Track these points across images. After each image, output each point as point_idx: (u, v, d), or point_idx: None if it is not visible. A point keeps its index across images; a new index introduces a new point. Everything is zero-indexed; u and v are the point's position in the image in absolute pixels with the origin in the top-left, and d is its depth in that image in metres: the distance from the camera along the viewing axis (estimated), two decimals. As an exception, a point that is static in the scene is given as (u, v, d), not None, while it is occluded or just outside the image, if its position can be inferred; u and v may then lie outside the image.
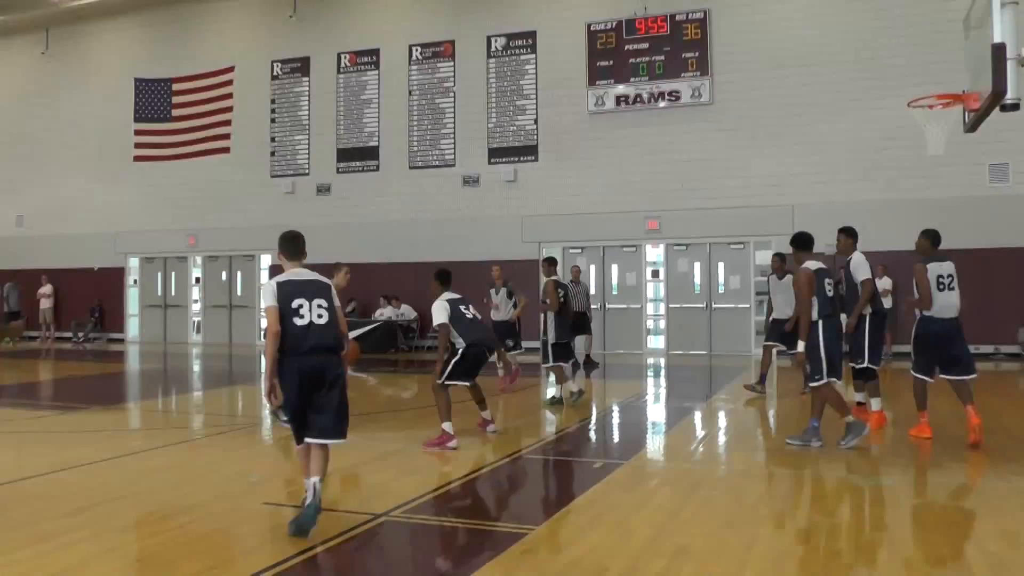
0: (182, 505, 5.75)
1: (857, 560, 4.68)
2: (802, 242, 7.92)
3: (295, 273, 5.16)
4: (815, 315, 7.53)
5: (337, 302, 5.23)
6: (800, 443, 7.59)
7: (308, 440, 5.06)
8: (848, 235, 8.82)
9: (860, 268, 8.65)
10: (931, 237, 8.09)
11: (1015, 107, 6.73)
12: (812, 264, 7.68)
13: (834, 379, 7.59)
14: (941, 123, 9.88)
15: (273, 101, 22.40)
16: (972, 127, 8.12)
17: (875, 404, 8.74)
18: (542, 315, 11.55)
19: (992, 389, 11.93)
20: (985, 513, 5.69)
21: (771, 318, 11.45)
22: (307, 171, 21.94)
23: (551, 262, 11.63)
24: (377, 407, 11.10)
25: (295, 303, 4.98)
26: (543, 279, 11.57)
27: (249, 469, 7.12)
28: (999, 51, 6.61)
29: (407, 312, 19.60)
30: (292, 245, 5.28)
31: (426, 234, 20.18)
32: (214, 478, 6.70)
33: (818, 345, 7.53)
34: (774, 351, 11.55)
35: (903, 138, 15.98)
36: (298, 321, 4.96)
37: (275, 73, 22.43)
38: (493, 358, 9.00)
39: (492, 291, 12.74)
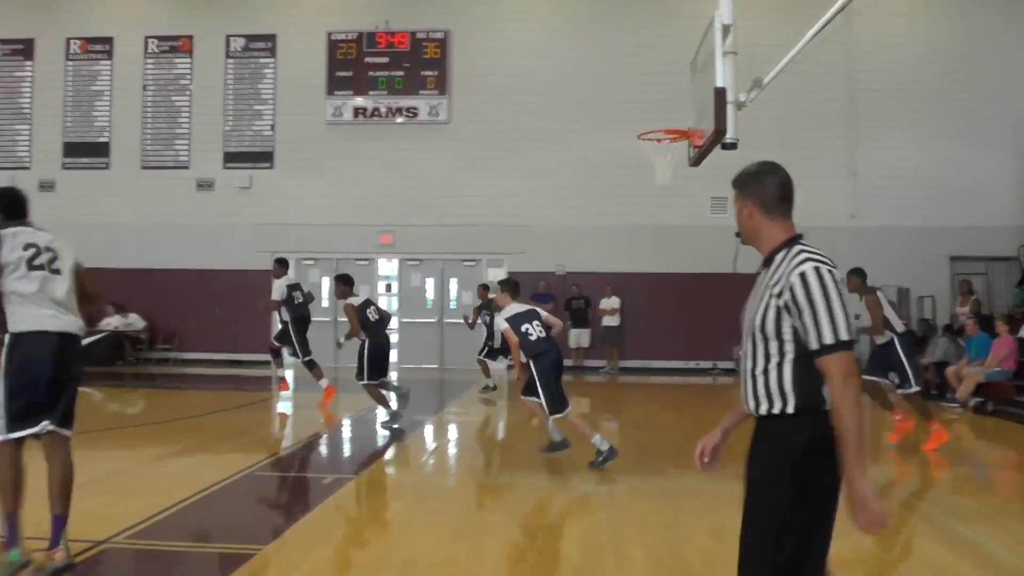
0: None
1: (585, 563, 4.98)
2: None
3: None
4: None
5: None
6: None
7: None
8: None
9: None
10: (862, 276, 9.11)
11: (733, 146, 7.38)
12: None
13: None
14: (668, 156, 10.42)
15: (-10, 86, 20.50)
16: (696, 162, 8.81)
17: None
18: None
19: (710, 402, 14.31)
20: (697, 512, 6.10)
21: None
22: (28, 165, 20.16)
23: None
24: (100, 424, 10.00)
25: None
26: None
27: None
28: (720, 95, 7.25)
29: (135, 322, 18.68)
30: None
31: (157, 239, 19.25)
32: None
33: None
34: None
35: (633, 168, 15.41)
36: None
37: (-9, 55, 20.54)
38: None
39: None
